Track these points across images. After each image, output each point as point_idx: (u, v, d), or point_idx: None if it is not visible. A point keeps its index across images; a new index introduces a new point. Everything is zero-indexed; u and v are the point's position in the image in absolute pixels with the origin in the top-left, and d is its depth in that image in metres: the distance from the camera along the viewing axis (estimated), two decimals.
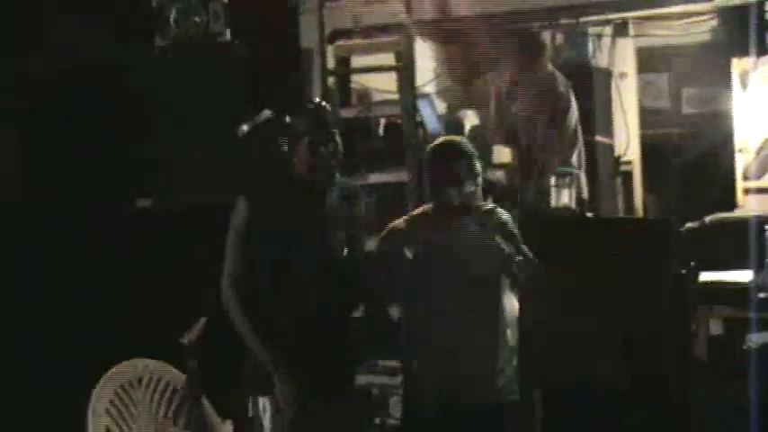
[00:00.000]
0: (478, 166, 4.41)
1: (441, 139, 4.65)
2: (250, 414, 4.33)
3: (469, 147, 4.48)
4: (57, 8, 6.23)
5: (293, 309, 4.31)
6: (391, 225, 4.54)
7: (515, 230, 4.35)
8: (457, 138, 4.76)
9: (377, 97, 7.09)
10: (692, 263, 5.51)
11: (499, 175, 6.80)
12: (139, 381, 5.07)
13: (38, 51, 6.20)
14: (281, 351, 4.28)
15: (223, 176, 5.93)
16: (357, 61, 7.08)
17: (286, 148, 4.40)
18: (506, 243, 4.26)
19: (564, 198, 5.71)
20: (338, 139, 4.39)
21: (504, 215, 4.40)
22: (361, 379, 6.31)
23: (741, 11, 6.70)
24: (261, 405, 4.31)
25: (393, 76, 6.83)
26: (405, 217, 4.57)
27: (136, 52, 6.32)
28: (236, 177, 5.69)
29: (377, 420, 6.20)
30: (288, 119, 4.48)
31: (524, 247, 4.28)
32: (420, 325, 4.41)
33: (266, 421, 4.30)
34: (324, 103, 4.48)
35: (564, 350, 5.08)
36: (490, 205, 4.48)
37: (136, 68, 6.30)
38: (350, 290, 4.43)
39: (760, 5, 6.58)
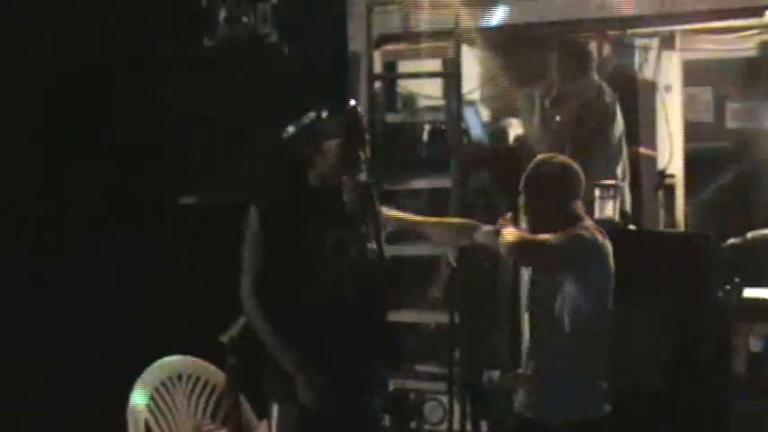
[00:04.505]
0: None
1: (553, 158, 4.46)
2: (275, 420, 4.28)
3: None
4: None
5: (319, 313, 4.23)
6: None
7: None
8: (564, 158, 4.55)
9: (422, 103, 7.10)
10: (735, 279, 5.49)
11: None
12: (179, 378, 5.11)
13: (85, 48, 6.24)
14: (307, 356, 4.21)
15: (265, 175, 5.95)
16: (404, 66, 7.09)
17: (322, 149, 4.32)
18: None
19: (608, 210, 5.68)
20: (367, 144, 4.29)
21: (608, 247, 4.31)
22: (399, 383, 6.36)
23: None
24: (282, 411, 4.26)
25: (438, 81, 6.85)
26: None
27: (183, 50, 6.37)
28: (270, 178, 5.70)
29: (412, 425, 6.20)
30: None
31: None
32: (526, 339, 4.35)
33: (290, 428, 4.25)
34: (358, 107, 4.41)
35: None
36: (600, 238, 4.30)
37: (181, 67, 6.35)
38: (375, 289, 4.31)
39: None
